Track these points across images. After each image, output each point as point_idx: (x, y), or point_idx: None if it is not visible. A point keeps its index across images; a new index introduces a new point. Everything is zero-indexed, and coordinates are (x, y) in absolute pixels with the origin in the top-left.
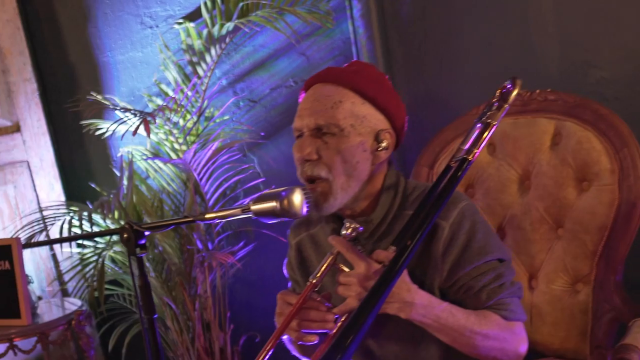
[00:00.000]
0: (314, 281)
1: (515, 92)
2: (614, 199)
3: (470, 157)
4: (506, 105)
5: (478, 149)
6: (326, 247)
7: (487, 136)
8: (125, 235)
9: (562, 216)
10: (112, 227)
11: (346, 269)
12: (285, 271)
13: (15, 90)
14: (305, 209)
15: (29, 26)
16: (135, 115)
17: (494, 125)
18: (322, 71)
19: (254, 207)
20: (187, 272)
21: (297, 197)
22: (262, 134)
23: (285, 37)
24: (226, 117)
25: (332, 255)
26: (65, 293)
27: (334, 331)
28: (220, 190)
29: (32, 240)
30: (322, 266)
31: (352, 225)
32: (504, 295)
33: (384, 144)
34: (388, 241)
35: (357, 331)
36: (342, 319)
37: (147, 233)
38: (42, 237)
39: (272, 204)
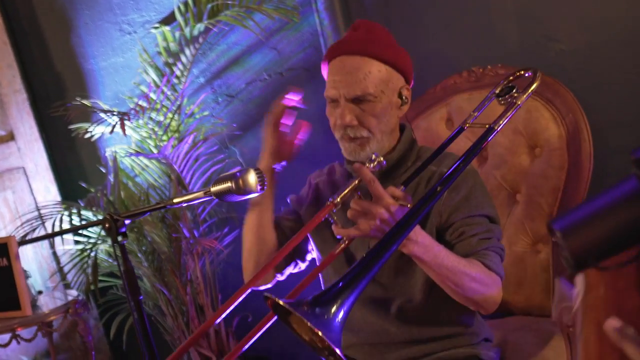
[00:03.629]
0: (335, 201)
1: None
2: (563, 162)
3: (496, 127)
4: (530, 91)
5: (504, 121)
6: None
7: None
8: (107, 225)
9: (518, 182)
10: None
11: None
12: (288, 200)
13: (7, 101)
14: (259, 187)
15: (16, 40)
16: (115, 115)
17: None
18: (344, 43)
19: (213, 189)
20: (177, 260)
21: (252, 177)
22: (234, 125)
23: (255, 34)
24: (206, 113)
25: (356, 181)
26: (67, 287)
27: (337, 251)
28: (202, 181)
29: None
30: (346, 189)
31: (378, 159)
32: (490, 247)
33: (405, 99)
34: (391, 184)
35: (378, 261)
36: (346, 242)
37: (127, 221)
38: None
39: (228, 185)
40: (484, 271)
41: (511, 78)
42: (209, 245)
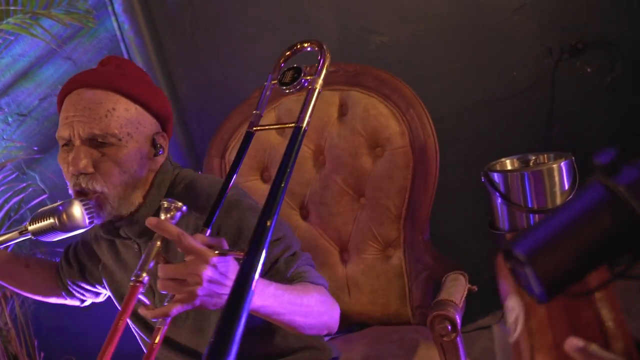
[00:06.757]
0: (140, 279)
1: (328, 60)
2: (408, 161)
3: (303, 125)
4: (325, 69)
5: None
6: (99, 249)
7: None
8: None
9: (362, 185)
10: None
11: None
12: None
13: None
14: (87, 220)
15: None
16: None
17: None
18: (84, 74)
19: (31, 228)
20: None
21: (77, 210)
22: (36, 148)
23: (45, 42)
24: None
25: (157, 245)
26: None
27: (157, 342)
28: (1, 214)
29: None
30: (148, 259)
31: (174, 205)
32: (300, 264)
33: (159, 148)
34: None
35: (235, 330)
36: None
37: None
38: None
39: (50, 221)
40: (317, 290)
41: (288, 53)
42: None
